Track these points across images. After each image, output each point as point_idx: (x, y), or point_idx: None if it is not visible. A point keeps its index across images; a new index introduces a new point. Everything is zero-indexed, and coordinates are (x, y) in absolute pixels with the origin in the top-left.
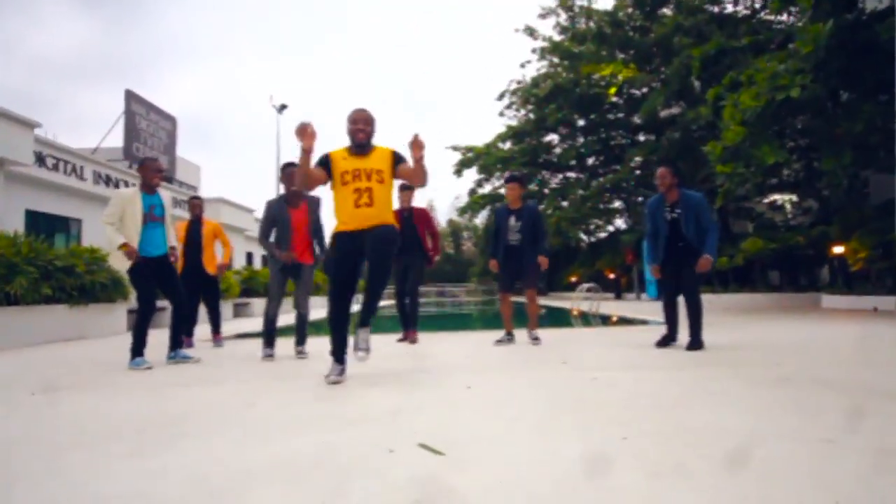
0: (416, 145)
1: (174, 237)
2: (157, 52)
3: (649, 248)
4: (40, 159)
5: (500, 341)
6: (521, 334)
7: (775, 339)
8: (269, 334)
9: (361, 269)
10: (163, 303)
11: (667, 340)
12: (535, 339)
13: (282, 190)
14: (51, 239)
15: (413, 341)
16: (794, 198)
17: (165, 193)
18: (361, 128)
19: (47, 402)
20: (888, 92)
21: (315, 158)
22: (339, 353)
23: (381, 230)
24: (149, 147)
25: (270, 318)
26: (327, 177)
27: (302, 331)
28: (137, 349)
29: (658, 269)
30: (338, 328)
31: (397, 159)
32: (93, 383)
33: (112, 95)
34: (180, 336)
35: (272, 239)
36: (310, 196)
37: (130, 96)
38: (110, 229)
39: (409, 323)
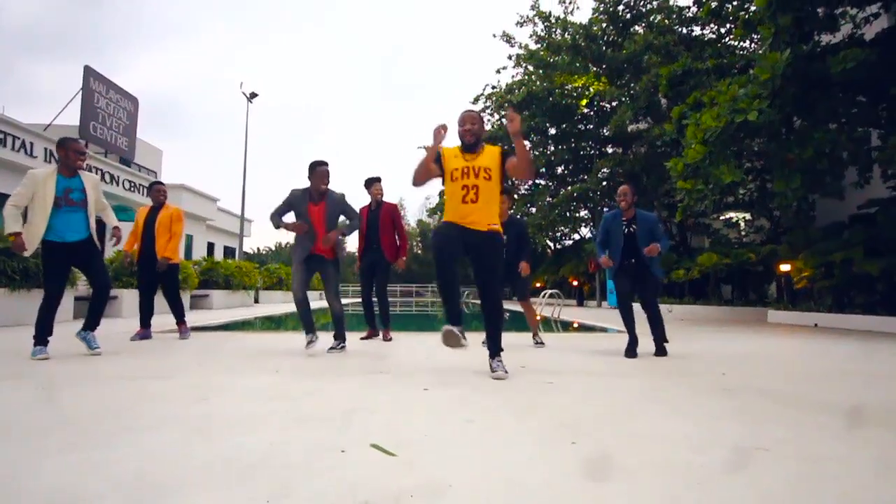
0: (511, 119)
1: (114, 218)
2: (121, 30)
3: (600, 251)
4: None
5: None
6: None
7: (722, 350)
8: (306, 321)
9: (458, 259)
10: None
11: (633, 347)
12: (540, 343)
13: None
14: None
15: (387, 339)
16: (748, 216)
17: (90, 176)
18: (468, 128)
19: None
20: (837, 121)
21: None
22: (454, 317)
23: (487, 239)
24: (107, 127)
25: (300, 301)
26: (440, 171)
27: (339, 328)
28: (38, 337)
29: (609, 261)
30: (449, 298)
31: (505, 155)
32: (32, 373)
33: (71, 71)
34: (98, 319)
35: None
36: (332, 193)
37: (89, 73)
38: (10, 211)
39: (381, 321)
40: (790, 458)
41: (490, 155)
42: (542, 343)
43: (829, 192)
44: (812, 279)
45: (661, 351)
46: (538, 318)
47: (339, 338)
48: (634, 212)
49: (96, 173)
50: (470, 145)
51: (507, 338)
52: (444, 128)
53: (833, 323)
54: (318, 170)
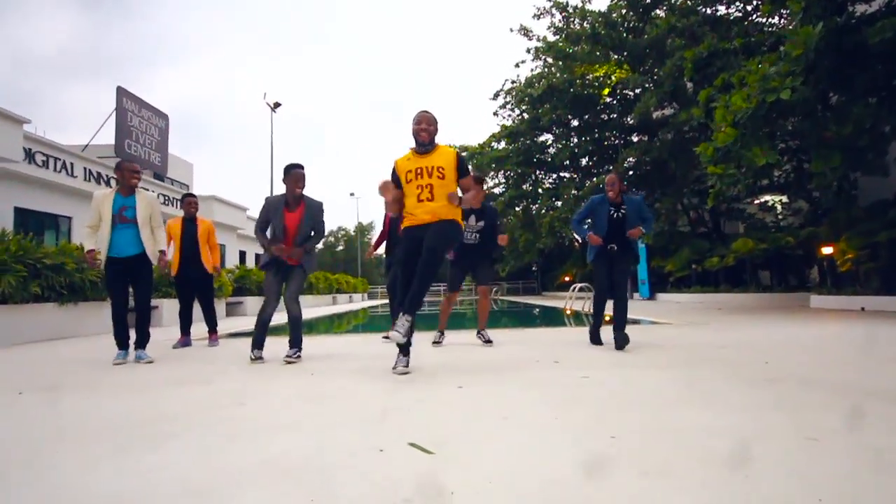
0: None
1: (163, 241)
2: (150, 49)
3: (576, 226)
4: (30, 156)
5: (436, 342)
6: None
7: (764, 338)
8: (259, 337)
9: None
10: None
11: (596, 335)
12: (487, 342)
13: (278, 189)
14: (40, 237)
15: (385, 338)
16: (785, 199)
17: (145, 195)
18: (424, 128)
19: (35, 401)
20: (877, 95)
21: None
22: (403, 347)
23: (438, 224)
24: (140, 144)
25: (263, 321)
26: (400, 187)
27: (295, 332)
28: (118, 343)
29: (598, 238)
30: (396, 314)
31: (461, 164)
32: (81, 382)
33: (104, 92)
34: (143, 337)
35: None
36: (311, 200)
37: (122, 93)
38: (85, 233)
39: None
40: (842, 449)
41: (444, 155)
42: (489, 342)
43: (872, 169)
44: (857, 261)
45: (622, 339)
46: (489, 310)
47: (296, 344)
48: (622, 198)
49: None
50: (424, 144)
51: (536, 332)
52: (387, 184)
53: (881, 306)
54: (293, 173)
